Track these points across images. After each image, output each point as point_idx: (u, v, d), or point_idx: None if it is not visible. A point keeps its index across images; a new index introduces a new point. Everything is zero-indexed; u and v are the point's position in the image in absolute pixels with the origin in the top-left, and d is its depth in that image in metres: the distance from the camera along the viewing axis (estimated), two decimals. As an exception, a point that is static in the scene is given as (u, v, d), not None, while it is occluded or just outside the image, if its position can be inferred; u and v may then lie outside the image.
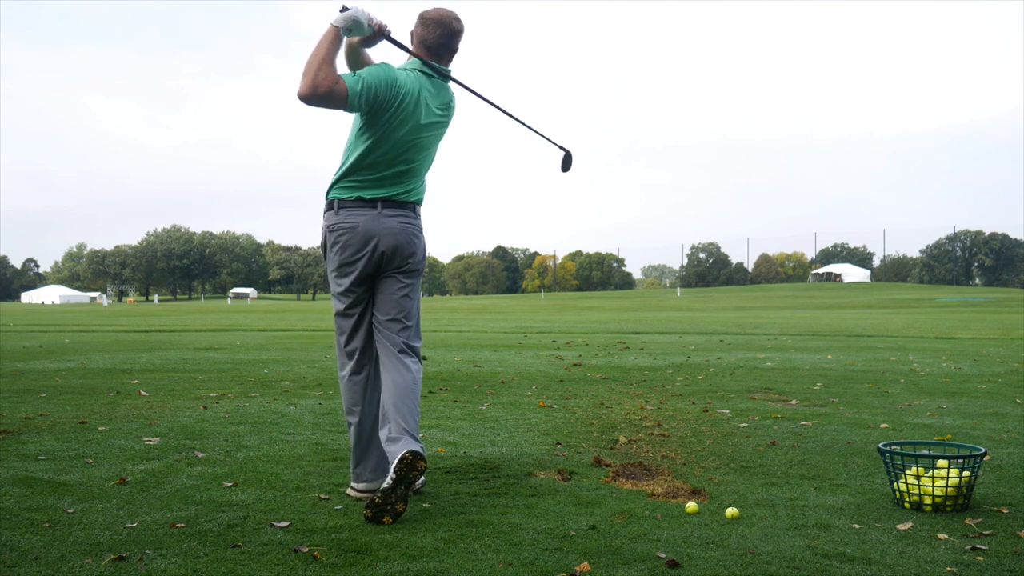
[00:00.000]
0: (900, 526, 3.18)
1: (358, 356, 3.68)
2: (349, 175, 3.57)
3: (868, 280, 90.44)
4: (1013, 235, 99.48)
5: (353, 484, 3.70)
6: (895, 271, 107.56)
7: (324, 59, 3.34)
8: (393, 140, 3.51)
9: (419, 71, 3.61)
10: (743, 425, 5.60)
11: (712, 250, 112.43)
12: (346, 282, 3.61)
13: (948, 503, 3.37)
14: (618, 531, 3.14)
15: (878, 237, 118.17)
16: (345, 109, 3.41)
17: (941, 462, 3.43)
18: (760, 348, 13.34)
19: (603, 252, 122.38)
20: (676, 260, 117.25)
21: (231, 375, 8.73)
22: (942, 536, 3.05)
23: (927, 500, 3.38)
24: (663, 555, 2.84)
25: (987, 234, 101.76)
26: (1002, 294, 57.86)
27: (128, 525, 3.16)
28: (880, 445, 3.65)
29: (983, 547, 2.92)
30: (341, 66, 3.53)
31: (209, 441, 4.87)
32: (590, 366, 10.06)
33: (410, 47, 3.68)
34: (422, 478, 3.73)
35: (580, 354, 11.93)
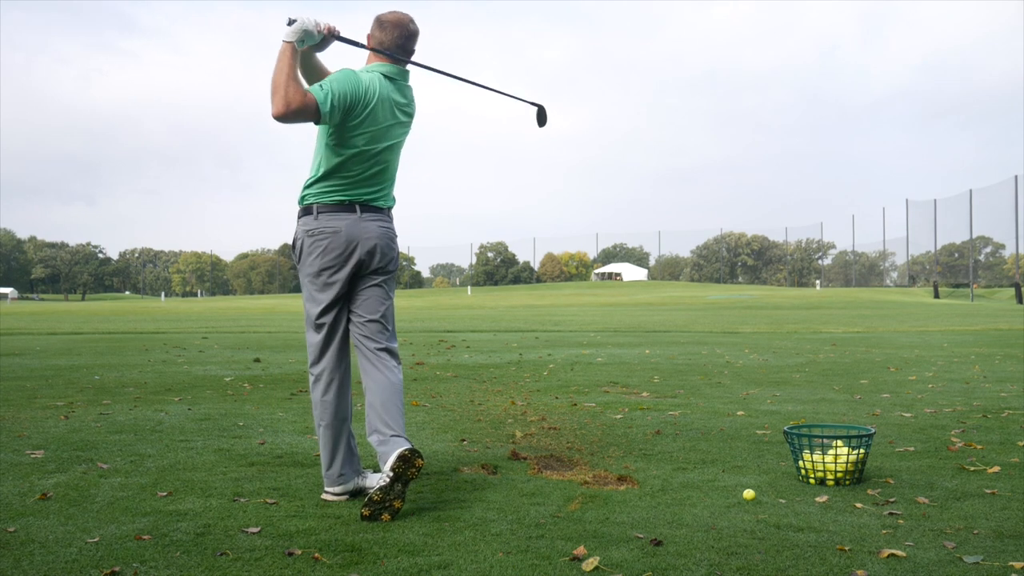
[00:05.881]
0: (818, 499, 3.61)
1: (325, 376, 3.67)
2: (325, 179, 3.57)
3: (646, 279, 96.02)
4: (772, 237, 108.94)
5: (329, 488, 3.67)
6: (668, 270, 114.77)
7: (289, 75, 3.37)
8: (365, 141, 3.55)
9: (380, 74, 3.66)
10: (619, 417, 5.98)
11: (500, 249, 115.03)
12: (323, 282, 3.60)
13: (847, 478, 3.85)
14: (581, 517, 3.35)
15: (654, 238, 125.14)
16: (318, 121, 3.43)
17: (838, 442, 3.91)
18: (578, 344, 14.00)
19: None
20: (465, 259, 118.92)
21: (61, 381, 8.16)
22: (859, 505, 3.50)
23: (829, 476, 3.85)
24: (641, 535, 3.09)
25: (749, 236, 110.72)
26: (763, 291, 63.30)
27: (89, 540, 3.01)
28: (785, 428, 4.09)
29: (898, 512, 3.39)
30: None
31: (102, 451, 4.62)
32: (433, 364, 10.21)
33: (365, 44, 3.71)
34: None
35: (413, 353, 12.04)
